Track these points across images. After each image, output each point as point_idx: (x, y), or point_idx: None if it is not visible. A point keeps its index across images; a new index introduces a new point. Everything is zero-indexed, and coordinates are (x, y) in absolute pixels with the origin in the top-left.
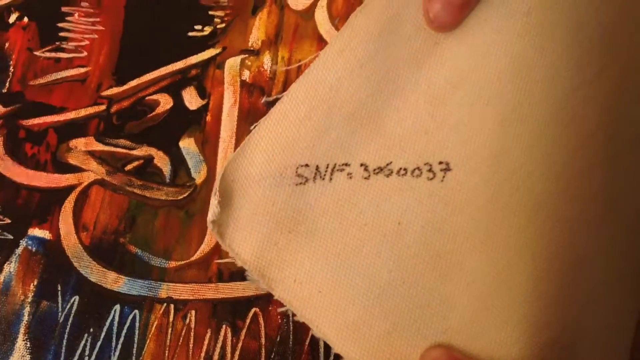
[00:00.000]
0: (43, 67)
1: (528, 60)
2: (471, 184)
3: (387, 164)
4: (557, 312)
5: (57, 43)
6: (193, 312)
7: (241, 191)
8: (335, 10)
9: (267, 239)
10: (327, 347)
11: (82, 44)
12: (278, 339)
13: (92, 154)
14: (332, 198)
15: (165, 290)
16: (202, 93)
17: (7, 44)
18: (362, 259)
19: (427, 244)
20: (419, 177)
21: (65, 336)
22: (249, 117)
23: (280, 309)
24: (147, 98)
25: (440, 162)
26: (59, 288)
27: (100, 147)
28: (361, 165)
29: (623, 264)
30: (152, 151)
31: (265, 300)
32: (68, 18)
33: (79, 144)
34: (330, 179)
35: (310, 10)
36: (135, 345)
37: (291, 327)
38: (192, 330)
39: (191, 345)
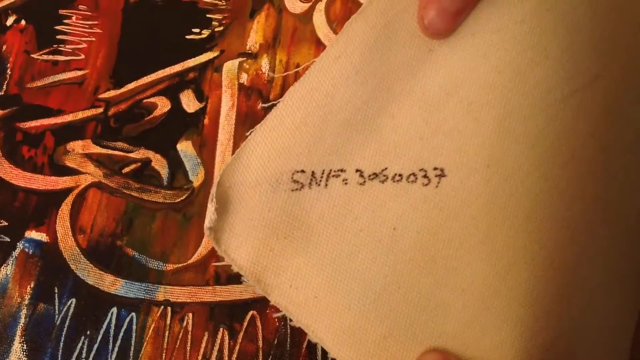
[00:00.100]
0: (40, 69)
1: (520, 69)
2: (466, 190)
3: (383, 170)
4: (555, 315)
5: (55, 46)
6: (190, 314)
7: (237, 197)
8: (333, 13)
9: (263, 245)
10: (325, 350)
11: (80, 46)
12: (275, 342)
13: (89, 156)
14: (328, 204)
15: (163, 293)
16: (200, 96)
17: (4, 47)
18: (358, 264)
19: (422, 249)
20: (414, 183)
21: (62, 339)
22: (246, 120)
23: (276, 314)
24: (144, 101)
25: (435, 168)
26: (56, 291)
27: (97, 149)
28: (356, 171)
29: (623, 265)
30: (150, 154)
31: (263, 303)
32: (66, 21)
33: (77, 146)
34: (326, 184)
35: (308, 14)
36: (132, 348)
37: (289, 330)
38: (190, 333)
39: (188, 348)
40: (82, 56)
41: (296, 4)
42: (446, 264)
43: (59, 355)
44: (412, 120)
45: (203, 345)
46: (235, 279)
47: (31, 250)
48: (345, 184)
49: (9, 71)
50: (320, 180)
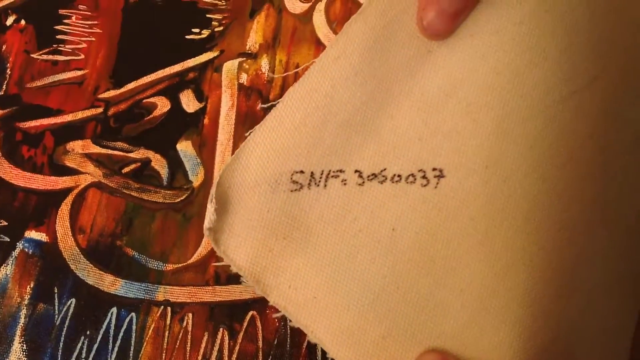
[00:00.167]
0: (40, 69)
1: (518, 71)
2: (465, 191)
3: (381, 171)
4: (553, 315)
5: (55, 46)
6: (190, 315)
7: (236, 197)
8: (333, 13)
9: (262, 245)
10: (325, 351)
11: (80, 46)
12: (275, 342)
13: (89, 156)
14: (327, 204)
15: (163, 293)
16: (200, 96)
17: (4, 47)
18: (357, 264)
19: (421, 249)
20: (412, 183)
21: (62, 339)
22: (246, 120)
23: (275, 315)
24: (144, 101)
25: (434, 169)
26: (56, 291)
27: (97, 149)
28: (355, 171)
29: (622, 266)
30: (150, 154)
31: (263, 303)
32: (65, 21)
33: (76, 146)
34: (325, 185)
35: (308, 14)
36: (132, 348)
37: (289, 330)
38: (189, 334)
39: (188, 349)
40: (82, 56)
41: (296, 4)
42: (445, 264)
43: (59, 355)
44: (411, 121)
45: (203, 345)
46: (235, 279)
47: (31, 250)
48: (345, 184)
49: (8, 71)
50: (320, 181)
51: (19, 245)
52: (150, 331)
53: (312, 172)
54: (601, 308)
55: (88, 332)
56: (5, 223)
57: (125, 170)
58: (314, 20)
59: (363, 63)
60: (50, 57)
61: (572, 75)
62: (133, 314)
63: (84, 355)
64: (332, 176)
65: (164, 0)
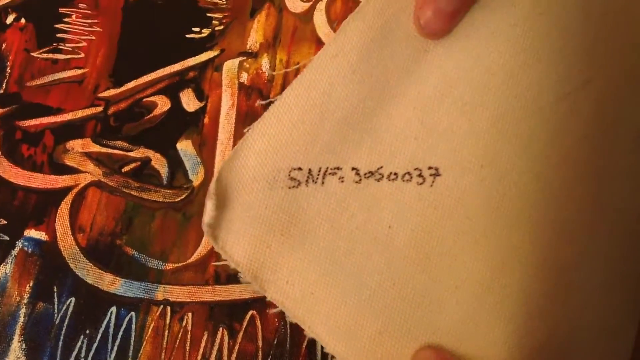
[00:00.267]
0: (40, 68)
1: (513, 71)
2: (460, 189)
3: (378, 169)
4: (549, 313)
5: (55, 44)
6: (190, 314)
7: (235, 194)
8: (333, 13)
9: (260, 242)
10: (324, 350)
11: (80, 45)
12: (275, 342)
13: (89, 155)
14: (324, 201)
15: (162, 292)
16: (200, 95)
17: (4, 45)
18: (354, 261)
19: (417, 247)
20: (409, 181)
21: (61, 338)
22: (246, 119)
23: (273, 310)
24: (144, 100)
25: (430, 167)
26: (55, 289)
27: (97, 148)
28: (352, 169)
29: (625, 267)
30: (150, 153)
31: (263, 302)
32: (65, 19)
33: (76, 145)
34: (323, 182)
35: (308, 13)
36: (131, 348)
37: (288, 330)
38: (189, 333)
39: (188, 348)
40: (82, 55)
41: (297, 3)
42: (440, 261)
43: (58, 354)
44: (408, 119)
45: (202, 344)
46: (234, 278)
47: (30, 249)
48: (342, 181)
49: (8, 69)
50: (317, 178)
51: (19, 244)
52: (150, 330)
53: (309, 169)
54: (601, 308)
55: (87, 331)
56: (5, 222)
57: (125, 169)
58: (314, 20)
59: (360, 61)
60: (50, 55)
61: (565, 76)
62: (132, 313)
63: (83, 354)
64: (330, 173)
65: None
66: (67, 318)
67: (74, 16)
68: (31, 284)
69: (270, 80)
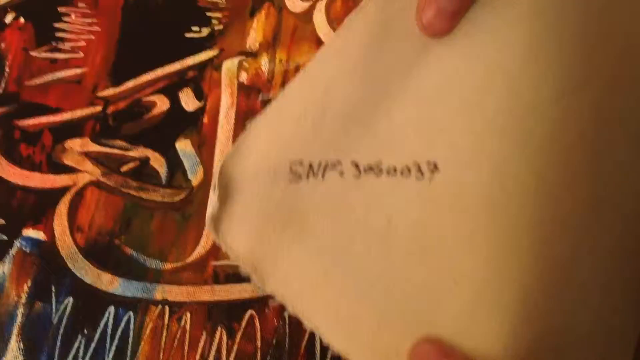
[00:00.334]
0: (39, 67)
1: (511, 71)
2: (458, 185)
3: (378, 163)
4: (546, 308)
5: (54, 44)
6: (188, 314)
7: (236, 187)
8: (333, 13)
9: (261, 234)
10: (324, 350)
11: (79, 44)
12: (274, 342)
13: (87, 155)
14: (325, 195)
15: (161, 292)
16: (199, 95)
17: (3, 44)
18: (353, 254)
19: (415, 241)
20: (408, 176)
21: (59, 337)
22: (246, 119)
23: (272, 303)
24: (143, 99)
25: (429, 163)
26: (53, 289)
27: (96, 148)
28: (352, 163)
29: (627, 265)
30: (148, 153)
31: (262, 302)
32: (64, 19)
33: (75, 144)
34: (323, 176)
35: (308, 13)
36: (129, 348)
37: (287, 330)
38: (188, 333)
39: (186, 348)
40: (81, 54)
41: (296, 3)
42: (439, 255)
43: (56, 354)
44: (407, 116)
45: (201, 345)
46: (233, 278)
47: (28, 249)
48: (342, 176)
49: (7, 69)
50: (318, 172)
51: (17, 244)
52: (148, 330)
53: (310, 163)
54: (601, 307)
55: (85, 331)
56: (3, 221)
57: (124, 168)
58: (314, 19)
59: (362, 58)
60: (49, 55)
61: (563, 77)
62: (131, 313)
63: (81, 354)
64: (330, 168)
65: None
66: (65, 318)
67: (73, 15)
68: (29, 284)
69: (269, 80)
